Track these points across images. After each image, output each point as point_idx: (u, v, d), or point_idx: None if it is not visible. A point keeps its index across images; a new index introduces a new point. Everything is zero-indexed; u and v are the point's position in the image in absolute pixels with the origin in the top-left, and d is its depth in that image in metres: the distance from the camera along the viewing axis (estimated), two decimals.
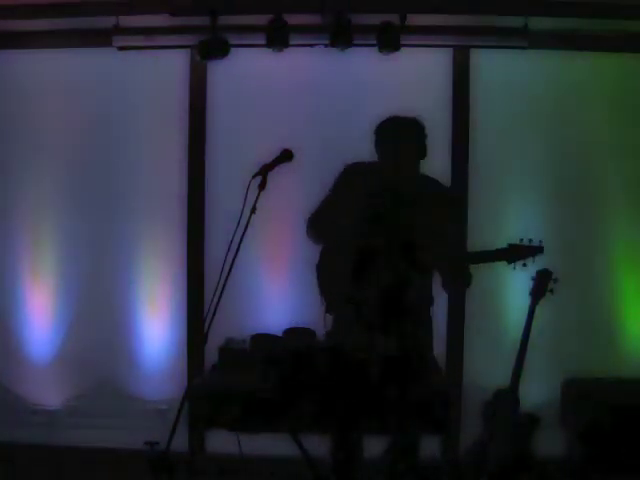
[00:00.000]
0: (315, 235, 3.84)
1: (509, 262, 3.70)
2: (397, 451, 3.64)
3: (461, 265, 3.73)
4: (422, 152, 3.77)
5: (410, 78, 4.86)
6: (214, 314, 3.33)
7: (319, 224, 3.80)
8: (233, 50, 4.69)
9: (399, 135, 3.71)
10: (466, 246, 3.87)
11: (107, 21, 4.75)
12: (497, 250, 3.74)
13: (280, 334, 3.65)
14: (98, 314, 5.01)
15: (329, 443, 3.49)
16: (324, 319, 3.75)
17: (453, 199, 3.85)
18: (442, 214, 3.71)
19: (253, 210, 3.40)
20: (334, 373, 3.19)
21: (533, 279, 4.31)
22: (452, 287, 3.90)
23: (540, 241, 3.70)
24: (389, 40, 4.60)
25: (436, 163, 4.88)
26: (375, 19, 4.59)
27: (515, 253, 3.68)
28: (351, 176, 3.79)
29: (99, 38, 4.82)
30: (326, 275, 3.79)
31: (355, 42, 4.62)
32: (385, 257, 3.59)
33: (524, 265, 3.70)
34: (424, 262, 3.62)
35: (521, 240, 3.68)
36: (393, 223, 3.62)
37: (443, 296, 4.86)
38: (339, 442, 3.43)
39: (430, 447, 4.11)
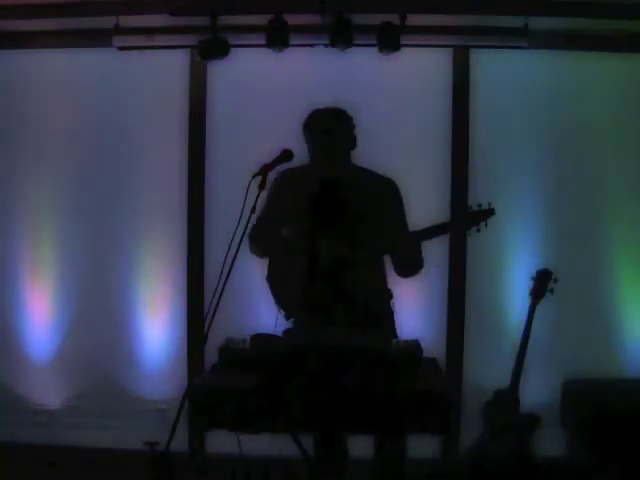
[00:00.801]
0: (258, 250, 3.82)
1: (464, 230, 3.65)
2: (381, 452, 3.63)
3: (411, 246, 3.68)
4: (351, 142, 3.74)
5: (410, 78, 4.86)
6: (214, 314, 3.33)
7: (260, 238, 3.77)
8: (233, 50, 4.69)
9: (324, 126, 3.68)
10: (408, 229, 3.80)
11: (107, 21, 4.75)
12: (448, 221, 3.74)
13: (280, 334, 3.65)
14: (98, 314, 5.01)
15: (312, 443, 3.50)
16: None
17: (388, 184, 3.79)
18: (380, 200, 3.67)
19: (253, 210, 3.40)
20: (296, 373, 3.19)
21: (533, 279, 4.32)
22: (406, 271, 3.84)
23: (489, 203, 3.63)
24: (389, 40, 4.60)
25: (436, 163, 4.92)
26: (375, 19, 4.59)
27: (467, 220, 3.65)
28: (283, 182, 3.76)
29: (99, 38, 4.82)
30: (278, 283, 3.78)
31: (355, 42, 4.61)
32: (327, 253, 3.55)
33: (478, 231, 3.63)
34: (366, 250, 3.57)
35: (470, 207, 3.65)
36: (331, 219, 3.58)
37: (443, 296, 4.90)
38: (320, 442, 3.43)
39: (430, 447, 4.12)
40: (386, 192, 3.77)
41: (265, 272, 3.83)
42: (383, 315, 3.73)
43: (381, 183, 3.78)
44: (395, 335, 3.73)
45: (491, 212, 3.63)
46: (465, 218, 3.67)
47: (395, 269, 3.81)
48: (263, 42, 4.63)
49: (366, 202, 3.52)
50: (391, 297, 3.82)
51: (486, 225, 3.63)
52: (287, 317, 3.78)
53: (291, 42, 4.64)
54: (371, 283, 3.65)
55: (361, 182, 3.66)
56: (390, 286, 3.83)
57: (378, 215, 3.62)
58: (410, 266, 3.80)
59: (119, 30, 4.78)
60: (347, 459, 3.64)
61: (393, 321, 3.80)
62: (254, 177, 3.45)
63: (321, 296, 3.50)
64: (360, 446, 3.60)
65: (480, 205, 3.62)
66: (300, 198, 3.52)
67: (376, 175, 3.79)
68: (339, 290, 3.47)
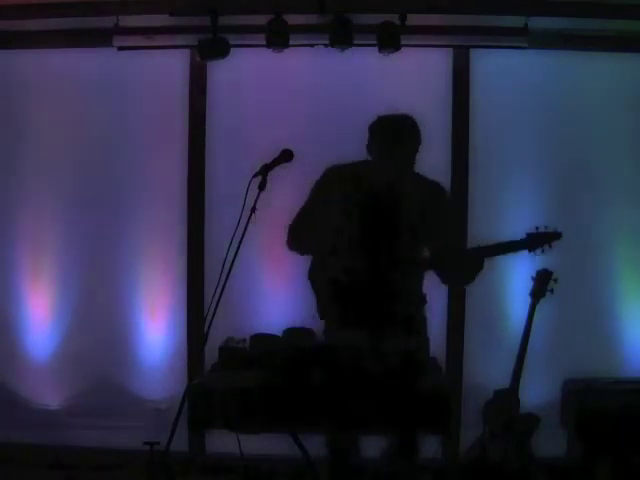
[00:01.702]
0: (299, 245, 3.75)
1: (530, 250, 3.69)
2: (396, 451, 3.63)
3: (460, 260, 3.68)
4: (417, 151, 3.72)
5: (410, 78, 4.86)
6: (214, 314, 3.33)
7: (302, 235, 3.71)
8: (233, 50, 4.69)
9: (399, 134, 3.65)
10: (463, 241, 3.84)
11: (107, 21, 4.75)
12: (516, 240, 3.72)
13: (280, 334, 3.65)
14: (98, 314, 5.01)
15: (325, 443, 3.49)
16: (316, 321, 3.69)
17: (442, 193, 3.79)
18: (438, 210, 3.68)
19: (253, 210, 3.40)
20: (330, 372, 3.18)
21: (533, 279, 4.32)
22: (452, 283, 3.85)
23: (555, 227, 3.69)
24: (389, 40, 4.60)
25: (436, 162, 4.91)
26: (375, 19, 4.59)
27: (534, 241, 3.68)
28: (334, 177, 3.71)
29: (99, 38, 4.82)
30: (320, 281, 3.71)
31: (355, 42, 4.62)
32: (374, 257, 3.56)
33: (542, 252, 3.69)
34: (414, 260, 3.59)
35: (537, 228, 3.68)
36: (384, 223, 3.59)
37: (443, 296, 4.90)
38: (336, 442, 3.43)
39: (430, 447, 4.11)
40: (440, 201, 3.74)
41: (308, 268, 3.73)
42: (417, 320, 3.72)
43: (436, 191, 3.74)
44: (426, 341, 3.70)
45: (557, 235, 3.69)
46: (533, 240, 3.69)
47: (439, 276, 3.76)
48: (263, 42, 4.63)
49: (420, 209, 3.58)
50: (425, 302, 3.80)
51: (550, 247, 3.67)
52: (322, 316, 3.71)
53: (291, 42, 4.64)
54: (410, 288, 3.67)
55: (418, 190, 3.66)
56: (425, 291, 3.80)
57: (430, 222, 3.62)
58: (456, 277, 3.78)
59: (119, 30, 4.78)
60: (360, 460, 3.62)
61: (425, 327, 3.77)
62: (254, 177, 3.45)
63: (360, 298, 3.52)
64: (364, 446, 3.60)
65: (546, 227, 3.68)
66: (354, 196, 3.55)
67: (431, 182, 3.76)
68: (380, 293, 3.49)
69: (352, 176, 3.67)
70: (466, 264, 3.67)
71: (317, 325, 3.62)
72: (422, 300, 3.79)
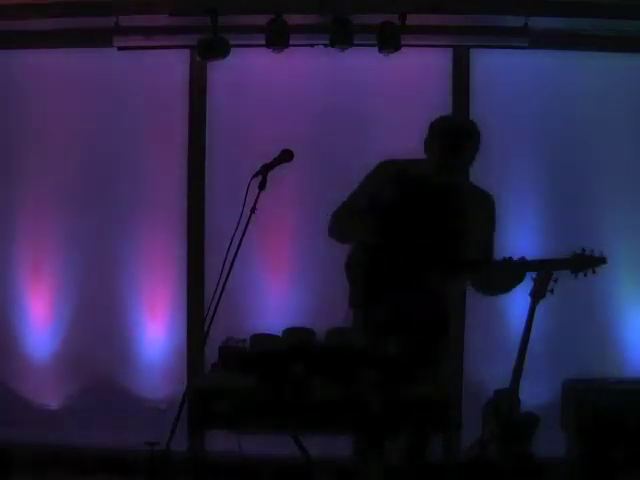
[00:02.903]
0: (339, 235, 3.66)
1: (573, 271, 3.68)
2: (407, 452, 3.62)
3: (504, 269, 3.63)
4: (475, 159, 3.67)
5: (410, 78, 4.86)
6: (214, 314, 3.33)
7: (345, 224, 3.63)
8: (233, 50, 4.69)
9: (462, 138, 3.57)
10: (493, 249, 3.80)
11: (107, 21, 4.75)
12: (562, 259, 3.73)
13: (280, 334, 3.65)
14: (98, 314, 5.01)
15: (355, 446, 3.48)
16: (345, 314, 3.64)
17: (491, 204, 3.76)
18: (485, 220, 3.67)
19: (253, 210, 3.40)
20: (332, 372, 3.19)
21: (533, 279, 4.31)
22: (487, 292, 3.82)
23: (601, 252, 3.68)
24: (389, 40, 4.60)
25: None
26: (375, 19, 4.59)
27: (579, 263, 3.68)
28: (389, 172, 3.62)
29: (99, 38, 4.82)
30: (358, 271, 3.63)
31: (355, 42, 4.61)
32: (415, 255, 3.53)
33: (585, 275, 3.68)
34: (454, 261, 3.56)
35: (583, 250, 3.68)
36: (430, 223, 3.55)
37: None
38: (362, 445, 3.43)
39: (430, 447, 4.11)
40: (488, 212, 3.72)
41: (346, 259, 3.66)
42: (446, 322, 3.70)
43: (486, 202, 3.71)
44: (448, 349, 3.71)
45: (603, 261, 3.68)
46: (579, 261, 3.68)
47: (474, 285, 3.78)
48: (263, 42, 4.63)
49: (468, 216, 3.55)
50: (449, 308, 3.76)
51: (594, 272, 3.68)
52: (352, 304, 3.65)
53: (291, 42, 4.63)
54: (446, 290, 3.66)
55: (469, 197, 3.64)
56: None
57: (476, 231, 3.60)
58: (492, 288, 3.77)
59: (119, 30, 4.78)
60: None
61: (448, 335, 3.73)
62: (254, 177, 3.45)
63: (394, 293, 3.49)
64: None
65: (592, 250, 3.67)
66: (405, 194, 3.51)
67: (483, 192, 3.73)
68: (415, 290, 3.47)
69: (405, 173, 3.61)
70: (509, 274, 3.64)
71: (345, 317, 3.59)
72: (449, 309, 3.75)
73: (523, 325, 4.31)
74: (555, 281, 4.25)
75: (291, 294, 4.91)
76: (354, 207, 3.62)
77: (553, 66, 4.83)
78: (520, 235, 4.82)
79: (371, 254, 3.57)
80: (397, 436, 3.42)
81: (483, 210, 3.69)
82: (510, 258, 3.59)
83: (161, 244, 5.04)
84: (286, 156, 3.56)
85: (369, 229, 3.54)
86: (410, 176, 3.59)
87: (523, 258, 3.60)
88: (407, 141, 4.83)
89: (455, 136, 3.55)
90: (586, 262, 3.67)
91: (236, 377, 3.28)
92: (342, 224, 3.65)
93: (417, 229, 3.52)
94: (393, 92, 4.84)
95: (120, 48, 4.80)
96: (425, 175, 3.58)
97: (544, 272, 3.86)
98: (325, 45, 4.66)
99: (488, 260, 3.66)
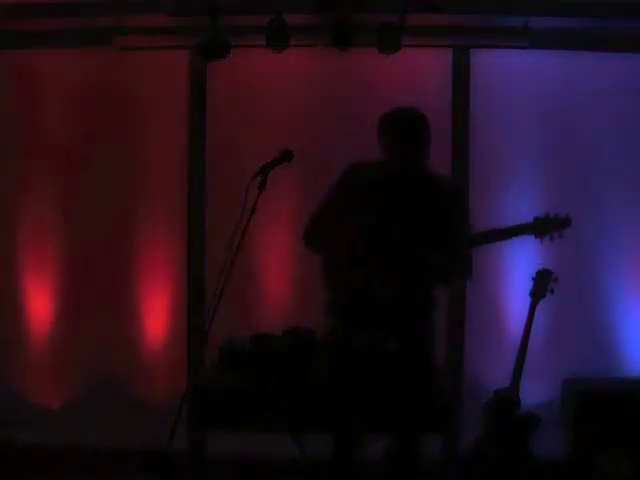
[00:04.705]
0: (313, 245, 3.73)
1: (536, 236, 3.64)
2: (396, 450, 3.63)
3: (466, 258, 3.67)
4: (428, 150, 3.69)
5: (410, 78, 4.86)
6: (214, 314, 3.33)
7: (317, 234, 3.70)
8: (233, 50, 4.69)
9: (409, 128, 3.58)
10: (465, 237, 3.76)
11: (107, 21, 4.75)
12: (524, 224, 3.68)
13: (280, 334, 3.66)
14: (98, 314, 5.01)
15: (330, 443, 3.48)
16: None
17: (457, 191, 3.76)
18: (446, 207, 3.66)
19: (253, 210, 3.40)
20: (336, 371, 3.19)
21: (533, 279, 4.32)
22: (457, 279, 3.82)
23: (567, 214, 3.64)
24: (389, 40, 4.60)
25: (436, 163, 4.91)
26: (375, 19, 4.59)
27: (542, 226, 3.63)
28: (352, 176, 3.69)
29: (99, 38, 4.82)
30: (335, 278, 3.69)
31: (355, 42, 4.61)
32: (389, 256, 3.56)
33: (551, 239, 3.63)
34: (429, 263, 3.57)
35: (547, 214, 3.64)
36: (400, 222, 3.58)
37: (443, 296, 4.90)
38: (339, 441, 3.43)
39: (430, 447, 4.12)
40: (454, 200, 3.73)
41: (322, 262, 3.71)
42: (427, 321, 3.71)
43: (450, 190, 3.73)
44: (433, 340, 3.71)
45: (567, 222, 3.63)
46: (541, 225, 3.64)
47: (447, 273, 3.75)
48: (263, 42, 4.63)
49: (433, 207, 3.57)
50: (435, 305, 3.77)
51: (560, 235, 3.62)
52: (330, 313, 3.68)
53: (291, 42, 4.63)
54: (424, 290, 3.67)
55: (434, 189, 3.65)
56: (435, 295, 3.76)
57: (441, 221, 3.61)
58: (454, 274, 3.78)
59: (119, 30, 4.78)
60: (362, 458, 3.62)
61: (433, 328, 3.74)
62: (254, 177, 3.45)
63: (373, 298, 3.51)
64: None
65: (557, 214, 3.61)
66: (369, 195, 3.54)
67: (444, 179, 3.75)
68: (394, 293, 3.49)
69: (369, 176, 3.65)
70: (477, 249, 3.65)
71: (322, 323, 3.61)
72: (434, 304, 3.76)
73: (523, 325, 4.32)
74: (555, 281, 4.26)
75: (291, 294, 4.91)
76: (323, 217, 3.68)
77: (553, 66, 4.83)
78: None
79: (346, 263, 3.61)
80: (386, 433, 3.42)
81: (450, 198, 3.69)
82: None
83: (161, 244, 5.04)
84: (286, 156, 3.56)
85: (339, 237, 3.60)
86: (374, 178, 3.63)
87: (482, 231, 3.62)
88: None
89: (406, 124, 3.58)
90: (550, 225, 3.63)
91: (236, 377, 3.29)
92: (313, 235, 3.72)
93: (387, 225, 3.54)
94: (393, 92, 4.83)
95: (120, 48, 4.80)
96: (388, 171, 3.62)
97: (505, 239, 3.72)
98: (325, 45, 4.66)
99: (463, 242, 3.65)
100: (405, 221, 3.55)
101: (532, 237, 3.67)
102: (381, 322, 3.48)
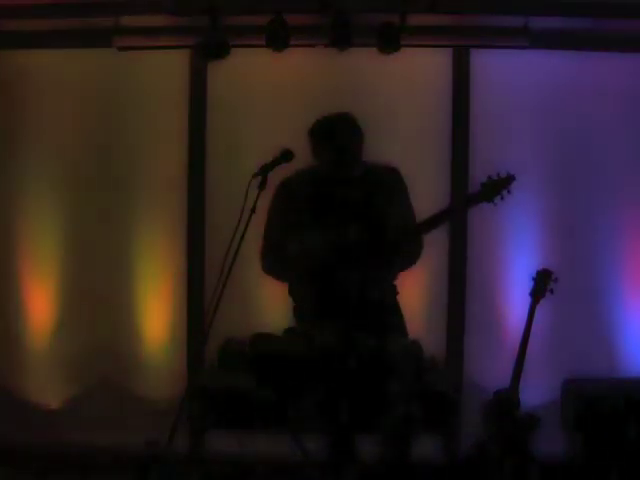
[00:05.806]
0: (276, 273, 3.86)
1: (489, 201, 3.66)
2: (387, 448, 3.63)
3: (417, 240, 3.73)
4: (359, 149, 3.73)
5: (410, 78, 4.86)
6: (214, 314, 3.33)
7: (278, 260, 3.77)
8: (233, 50, 4.69)
9: (334, 131, 3.67)
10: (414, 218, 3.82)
11: (107, 21, 4.74)
12: (472, 194, 3.73)
13: (280, 334, 3.65)
14: (98, 314, 5.01)
15: (324, 443, 3.49)
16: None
17: (394, 175, 3.79)
18: (389, 193, 3.71)
19: (253, 210, 3.40)
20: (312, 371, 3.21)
21: (533, 279, 4.31)
22: (405, 265, 3.85)
23: (507, 171, 3.65)
24: (389, 40, 4.60)
25: (436, 163, 4.92)
26: (375, 19, 4.59)
27: (490, 190, 3.65)
28: (286, 193, 3.75)
29: (99, 38, 4.82)
30: (299, 295, 3.81)
31: (355, 42, 4.61)
32: (344, 256, 3.59)
33: (502, 199, 3.65)
34: (384, 251, 3.61)
35: (489, 177, 3.66)
36: (343, 219, 3.62)
37: (443, 296, 4.90)
38: (333, 442, 3.43)
39: (430, 447, 4.12)
40: (393, 184, 3.77)
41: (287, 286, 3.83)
42: (395, 311, 3.77)
43: (387, 176, 3.77)
44: (405, 331, 3.74)
45: (511, 178, 3.65)
46: (489, 189, 3.65)
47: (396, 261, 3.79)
48: (263, 42, 4.63)
49: (376, 198, 3.61)
50: (397, 293, 3.85)
51: (509, 192, 3.64)
52: (296, 314, 3.77)
53: (291, 42, 4.63)
54: (383, 280, 3.69)
55: (369, 180, 3.70)
56: (395, 282, 3.84)
57: (388, 208, 3.66)
58: (410, 259, 3.81)
59: (119, 30, 4.78)
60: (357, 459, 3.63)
61: (402, 317, 3.82)
62: (254, 177, 3.45)
63: (335, 293, 3.52)
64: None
65: (498, 174, 3.63)
66: (309, 203, 3.59)
67: (382, 168, 3.79)
68: (357, 292, 3.50)
69: (304, 185, 3.73)
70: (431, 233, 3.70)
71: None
72: (395, 290, 3.82)
73: (523, 325, 4.31)
74: (555, 281, 4.25)
75: None
76: (273, 240, 3.75)
77: (553, 66, 4.83)
78: (520, 233, 4.83)
79: (305, 277, 3.70)
80: (373, 432, 3.42)
81: (394, 185, 3.74)
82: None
83: (162, 244, 5.04)
84: (286, 156, 3.56)
85: (301, 260, 3.66)
86: (308, 186, 3.70)
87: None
88: (407, 141, 4.89)
89: (327, 132, 3.67)
90: (496, 186, 3.65)
91: (236, 377, 3.28)
92: (276, 269, 3.82)
93: (335, 230, 3.61)
94: (393, 92, 4.83)
95: (120, 48, 4.80)
96: (321, 179, 3.69)
97: (460, 214, 3.74)
98: (325, 45, 4.66)
99: (416, 229, 3.70)
100: (358, 219, 3.62)
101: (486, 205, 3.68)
102: (349, 318, 3.51)
